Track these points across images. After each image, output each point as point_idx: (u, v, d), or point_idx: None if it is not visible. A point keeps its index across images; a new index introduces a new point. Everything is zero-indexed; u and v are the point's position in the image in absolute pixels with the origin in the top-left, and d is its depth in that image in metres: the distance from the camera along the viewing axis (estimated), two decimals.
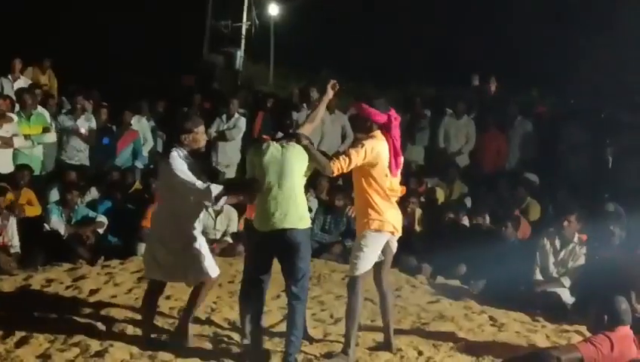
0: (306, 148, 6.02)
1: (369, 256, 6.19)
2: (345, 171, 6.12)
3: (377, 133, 6.22)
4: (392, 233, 6.29)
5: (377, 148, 6.13)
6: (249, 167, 6.14)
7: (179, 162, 5.96)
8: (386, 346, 6.54)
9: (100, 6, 19.59)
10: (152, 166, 11.62)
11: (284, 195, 5.94)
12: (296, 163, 6.00)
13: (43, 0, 19.16)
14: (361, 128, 6.34)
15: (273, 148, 6.01)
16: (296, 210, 5.96)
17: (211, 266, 6.22)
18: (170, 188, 6.07)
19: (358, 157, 6.06)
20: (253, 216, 6.19)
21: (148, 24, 19.57)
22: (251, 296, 6.21)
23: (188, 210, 6.09)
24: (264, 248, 6.05)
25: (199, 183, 5.90)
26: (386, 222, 6.18)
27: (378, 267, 6.35)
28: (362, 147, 6.08)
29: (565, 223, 8.22)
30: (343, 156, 6.09)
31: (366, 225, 6.17)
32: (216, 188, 5.88)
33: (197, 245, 6.15)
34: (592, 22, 19.28)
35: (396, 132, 6.28)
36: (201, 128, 6.25)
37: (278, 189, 5.93)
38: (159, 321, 6.93)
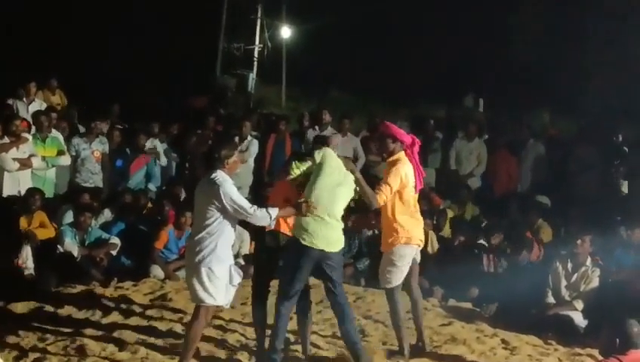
0: (357, 180, 6.41)
1: (401, 268, 6.76)
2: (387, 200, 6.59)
3: (402, 154, 6.71)
4: (418, 245, 6.88)
5: (408, 171, 6.67)
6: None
7: (230, 187, 6.07)
8: (419, 349, 6.98)
9: (113, 28, 19.75)
10: (164, 188, 11.68)
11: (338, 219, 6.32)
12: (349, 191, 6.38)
13: (53, 20, 19.30)
14: (385, 148, 6.75)
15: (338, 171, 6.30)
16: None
17: (216, 296, 6.14)
18: (207, 208, 6.08)
19: (396, 183, 6.59)
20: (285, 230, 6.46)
21: (160, 46, 19.71)
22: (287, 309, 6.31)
23: (215, 230, 6.09)
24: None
25: (255, 209, 6.05)
26: (413, 237, 6.74)
27: (407, 277, 6.86)
28: (398, 173, 6.60)
29: (579, 242, 8.19)
30: (384, 186, 6.56)
31: (395, 241, 6.68)
32: (273, 212, 6.08)
33: (207, 268, 6.08)
34: (602, 42, 19.30)
35: (416, 149, 6.81)
36: (238, 153, 6.43)
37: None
38: (174, 342, 6.96)
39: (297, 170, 6.29)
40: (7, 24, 17.45)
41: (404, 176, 6.65)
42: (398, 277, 6.77)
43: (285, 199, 6.36)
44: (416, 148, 6.88)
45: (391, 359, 6.84)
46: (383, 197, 6.57)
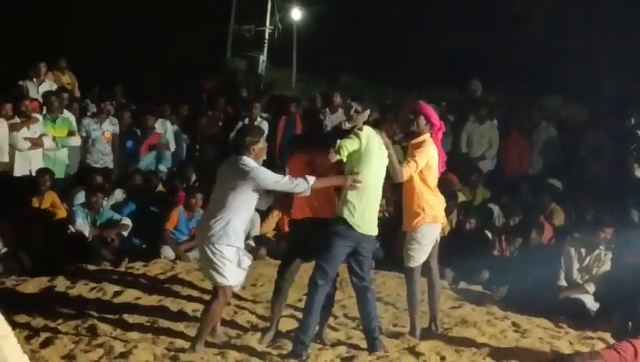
0: (389, 155, 6.39)
1: (425, 248, 6.82)
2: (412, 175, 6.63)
3: (428, 136, 6.75)
4: (443, 224, 7.05)
5: (433, 152, 6.71)
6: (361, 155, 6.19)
7: (262, 171, 6.16)
8: (431, 332, 7.00)
9: (124, 7, 19.71)
10: (174, 169, 11.68)
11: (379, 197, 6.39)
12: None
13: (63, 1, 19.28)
14: (417, 126, 6.76)
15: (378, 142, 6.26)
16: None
17: (227, 275, 6.20)
18: (228, 190, 6.15)
19: (422, 161, 6.62)
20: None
21: (171, 27, 19.67)
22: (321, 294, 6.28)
23: (231, 214, 6.14)
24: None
25: (289, 179, 6.14)
26: (439, 216, 6.83)
27: (426, 258, 6.89)
28: (425, 152, 6.64)
29: (602, 235, 8.15)
30: (411, 162, 6.58)
31: (421, 220, 6.71)
32: (311, 179, 6.13)
33: (216, 247, 6.15)
34: (614, 26, 19.17)
35: (440, 135, 6.90)
36: (264, 139, 6.43)
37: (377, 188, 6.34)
38: (184, 323, 6.98)
39: (346, 150, 6.15)
40: (7, 24, 17.42)
41: (431, 157, 6.71)
42: (421, 256, 6.83)
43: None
44: (440, 135, 6.96)
45: (400, 339, 6.84)
46: (409, 171, 6.59)
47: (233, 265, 6.20)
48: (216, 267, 6.16)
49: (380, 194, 6.43)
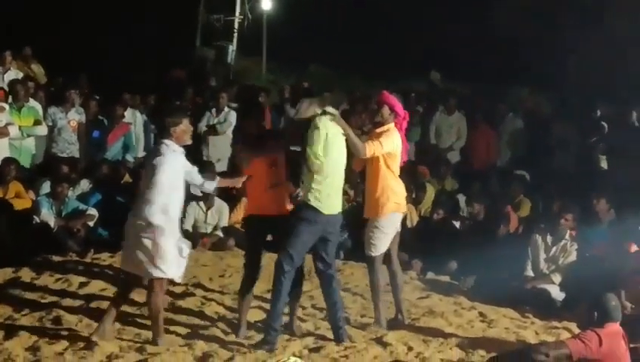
0: (344, 128, 6.36)
1: (388, 236, 6.83)
2: (375, 155, 6.61)
3: (392, 125, 6.79)
4: (404, 213, 7.10)
5: (397, 140, 6.74)
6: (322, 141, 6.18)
7: (181, 158, 6.08)
8: (398, 321, 7.03)
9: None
10: (143, 159, 11.57)
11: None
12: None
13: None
14: (381, 116, 6.80)
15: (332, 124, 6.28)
16: None
17: (166, 268, 6.02)
18: (157, 179, 5.93)
19: (387, 145, 6.64)
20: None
21: (138, 16, 19.46)
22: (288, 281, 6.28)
23: (164, 201, 5.94)
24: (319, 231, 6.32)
25: (201, 177, 6.24)
26: (401, 204, 6.87)
27: (388, 248, 6.88)
28: (390, 137, 6.67)
29: (563, 221, 8.24)
30: (375, 141, 6.58)
31: (384, 208, 6.71)
32: (217, 179, 6.30)
33: (162, 241, 5.96)
34: (580, 18, 19.31)
35: (405, 125, 6.94)
36: (187, 121, 6.22)
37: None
38: (147, 316, 6.92)
39: (319, 152, 6.17)
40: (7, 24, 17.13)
41: (396, 145, 6.75)
42: (384, 244, 6.82)
43: (270, 164, 6.38)
44: (405, 124, 6.99)
45: (367, 330, 6.86)
46: (372, 149, 6.57)
47: (173, 257, 6.03)
48: (155, 260, 5.96)
49: (343, 175, 6.44)
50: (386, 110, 6.83)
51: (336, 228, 6.50)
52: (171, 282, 6.45)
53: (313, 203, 6.21)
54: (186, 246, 6.15)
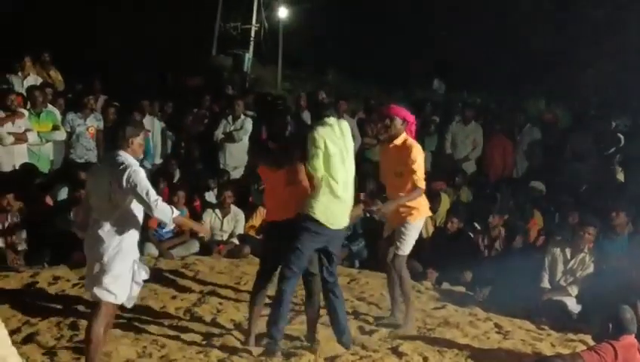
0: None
1: (412, 240, 7.11)
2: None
3: (408, 137, 7.01)
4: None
5: (421, 151, 7.04)
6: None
7: (138, 171, 5.52)
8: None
9: (111, 4, 19.62)
10: (160, 166, 11.65)
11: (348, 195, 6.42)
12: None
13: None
14: (395, 129, 6.99)
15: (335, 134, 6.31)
16: None
17: (116, 292, 5.58)
18: (109, 195, 5.51)
19: (422, 166, 6.95)
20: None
21: (158, 24, 19.59)
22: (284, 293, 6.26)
23: (119, 220, 5.55)
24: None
25: (159, 201, 5.54)
26: (424, 211, 7.19)
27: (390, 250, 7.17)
28: (420, 157, 6.93)
29: (585, 235, 8.20)
30: (417, 174, 6.86)
31: (413, 217, 7.00)
32: (176, 212, 5.65)
33: (116, 266, 5.53)
34: (598, 30, 19.30)
35: (414, 128, 7.21)
36: (143, 136, 5.84)
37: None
38: (167, 321, 6.96)
39: (318, 164, 6.18)
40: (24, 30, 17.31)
41: (422, 158, 7.05)
42: (411, 245, 7.13)
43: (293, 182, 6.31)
44: (414, 127, 7.19)
45: (383, 339, 6.88)
46: (421, 182, 6.92)
47: (125, 281, 5.60)
48: (105, 283, 5.52)
49: (350, 184, 6.37)
50: (398, 122, 7.00)
51: (339, 241, 6.54)
52: (121, 307, 5.90)
53: (317, 216, 6.17)
54: (143, 271, 5.74)
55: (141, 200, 5.49)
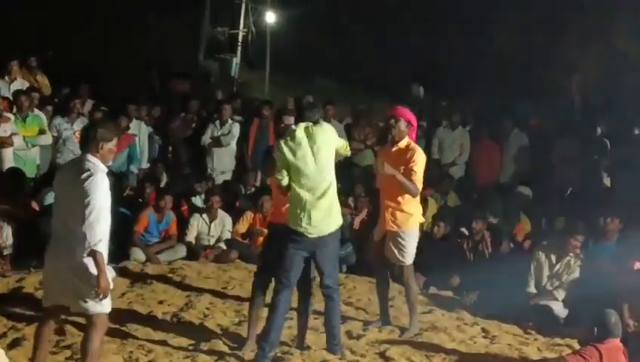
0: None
1: (413, 248, 7.05)
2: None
3: (410, 141, 6.92)
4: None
5: (423, 155, 6.93)
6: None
7: (101, 184, 5.25)
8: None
9: (96, 7, 19.54)
10: (147, 170, 11.62)
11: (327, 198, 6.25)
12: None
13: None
14: (400, 131, 6.90)
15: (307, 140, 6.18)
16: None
17: (106, 302, 5.38)
18: (93, 202, 5.21)
19: (422, 169, 6.86)
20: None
21: (143, 28, 19.54)
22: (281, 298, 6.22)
23: (102, 227, 5.28)
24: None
25: (103, 217, 5.24)
26: (418, 218, 7.09)
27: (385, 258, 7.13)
28: (421, 160, 6.83)
29: (573, 242, 8.22)
30: (417, 176, 6.77)
31: (409, 223, 6.93)
32: (105, 240, 5.29)
33: (90, 270, 5.26)
34: (583, 35, 19.38)
35: (414, 133, 7.08)
36: (116, 142, 5.49)
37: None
38: (154, 326, 6.94)
39: (284, 175, 6.15)
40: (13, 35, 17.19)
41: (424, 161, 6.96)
42: (414, 252, 7.08)
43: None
44: (414, 133, 7.14)
45: (371, 343, 6.89)
46: (420, 184, 6.85)
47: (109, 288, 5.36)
48: (91, 295, 5.29)
49: (323, 188, 6.11)
50: (402, 124, 6.88)
51: (326, 246, 6.24)
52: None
53: (292, 225, 6.11)
54: (112, 272, 5.56)
55: (85, 208, 5.16)
